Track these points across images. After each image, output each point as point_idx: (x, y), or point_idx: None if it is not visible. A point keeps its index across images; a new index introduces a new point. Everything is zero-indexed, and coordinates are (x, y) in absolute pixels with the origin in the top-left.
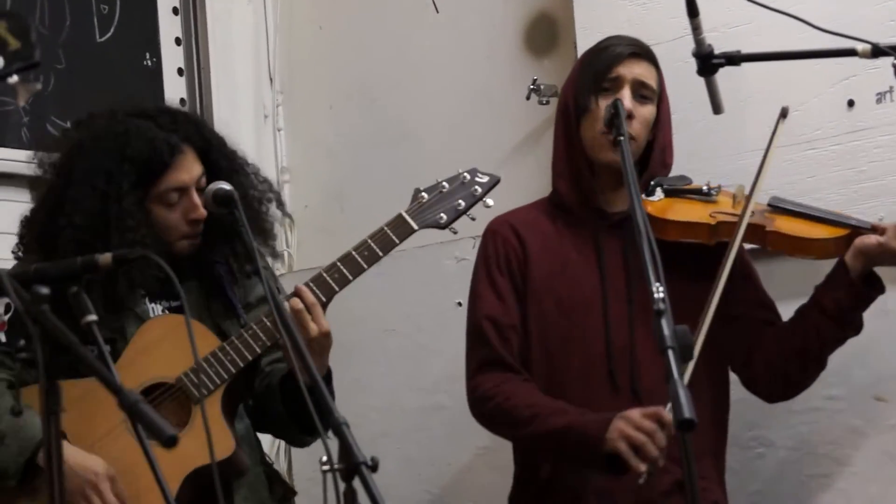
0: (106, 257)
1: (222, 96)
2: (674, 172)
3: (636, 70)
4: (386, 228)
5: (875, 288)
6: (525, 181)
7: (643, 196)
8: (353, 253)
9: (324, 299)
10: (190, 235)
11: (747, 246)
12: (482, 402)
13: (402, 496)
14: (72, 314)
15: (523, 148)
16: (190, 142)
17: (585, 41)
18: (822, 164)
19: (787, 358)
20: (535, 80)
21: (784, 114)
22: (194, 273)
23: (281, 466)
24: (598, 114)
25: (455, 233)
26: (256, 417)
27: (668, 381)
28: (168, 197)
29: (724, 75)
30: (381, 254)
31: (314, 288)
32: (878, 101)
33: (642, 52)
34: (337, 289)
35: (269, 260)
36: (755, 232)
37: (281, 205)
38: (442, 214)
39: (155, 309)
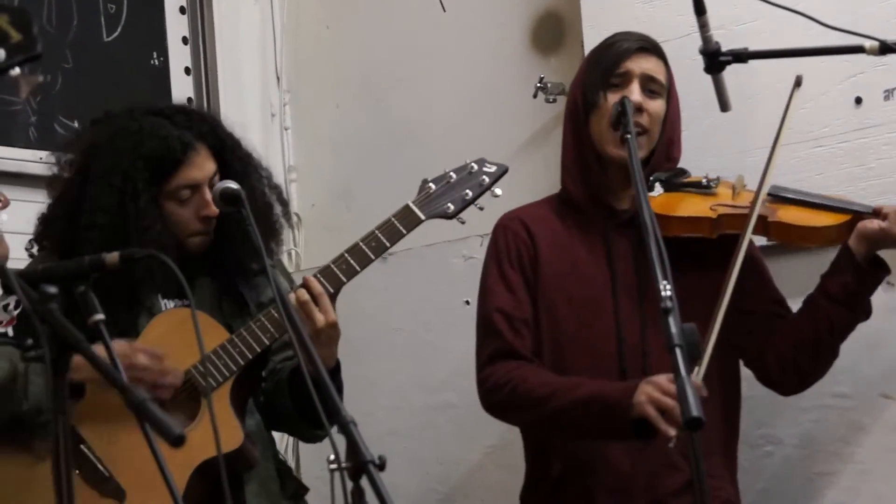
0: (113, 256)
1: (229, 95)
2: None
3: (645, 65)
4: (393, 219)
5: (881, 269)
6: (532, 179)
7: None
8: (361, 244)
9: (331, 290)
10: (202, 232)
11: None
12: (495, 392)
13: (409, 495)
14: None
15: (530, 146)
16: (204, 140)
17: (592, 39)
18: (830, 161)
19: (799, 349)
20: (541, 79)
21: (798, 82)
22: (207, 271)
23: (289, 464)
24: (607, 109)
25: (463, 223)
26: (268, 414)
27: (675, 379)
28: (180, 194)
29: (731, 73)
30: (388, 244)
31: (322, 279)
32: (886, 98)
33: (651, 47)
34: (345, 280)
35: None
36: (758, 222)
37: (286, 212)
38: (449, 204)
39: (167, 305)
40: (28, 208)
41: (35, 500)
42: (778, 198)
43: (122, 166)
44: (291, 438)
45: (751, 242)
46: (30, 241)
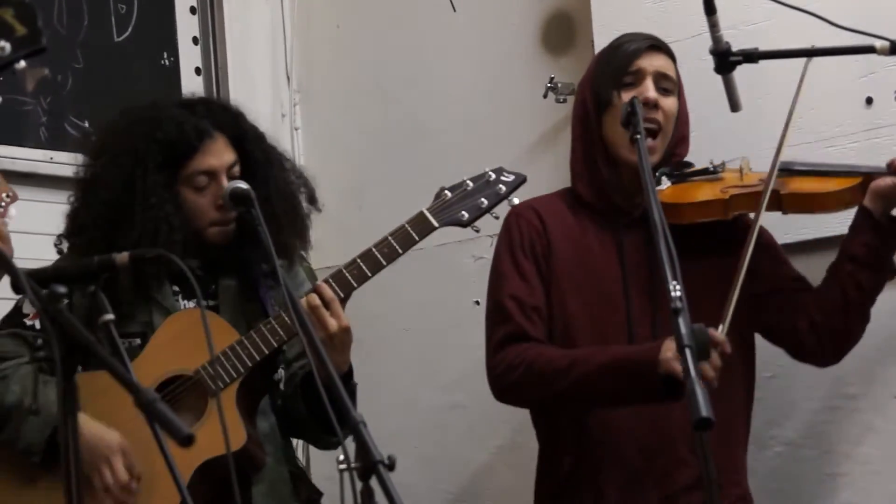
0: (123, 256)
1: (240, 95)
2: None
3: (656, 62)
4: (407, 226)
5: None
6: (542, 179)
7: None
8: (374, 250)
9: (342, 295)
10: (220, 222)
11: (767, 215)
12: (508, 373)
13: (419, 495)
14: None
15: (540, 146)
16: (222, 129)
17: (603, 39)
18: (841, 161)
19: (829, 315)
20: (552, 79)
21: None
22: (233, 273)
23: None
24: (620, 108)
25: (477, 231)
26: (285, 420)
27: (685, 379)
28: (196, 180)
29: (741, 73)
30: (400, 251)
31: (333, 284)
32: None
33: (660, 46)
34: (356, 285)
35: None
36: (770, 198)
37: (313, 201)
38: (464, 212)
39: (186, 306)
40: (39, 208)
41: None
42: (787, 171)
43: (135, 149)
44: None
45: (763, 229)
46: (58, 236)
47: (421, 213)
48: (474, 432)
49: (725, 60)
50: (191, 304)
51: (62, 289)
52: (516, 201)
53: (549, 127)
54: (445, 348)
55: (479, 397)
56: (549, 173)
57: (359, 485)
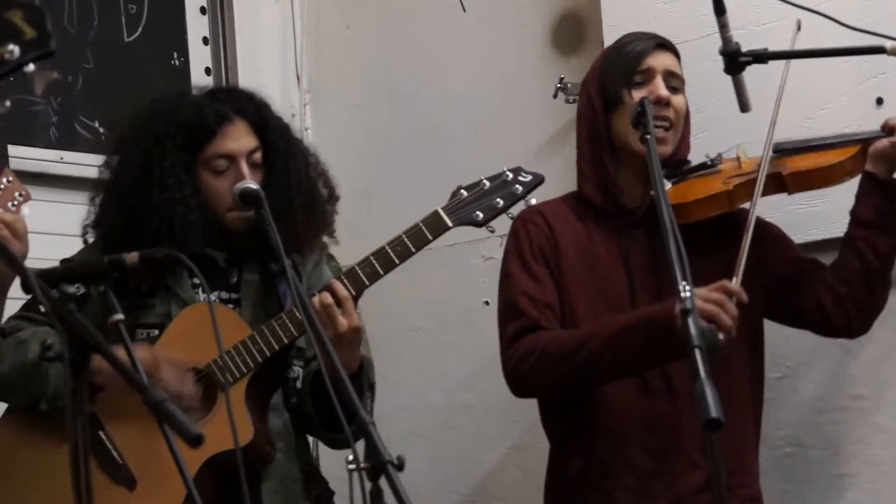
0: (132, 256)
1: None
2: None
3: (665, 61)
4: (421, 224)
5: None
6: (552, 179)
7: (652, 193)
8: (387, 248)
9: (353, 293)
10: (238, 208)
11: (772, 198)
12: (522, 363)
13: (428, 495)
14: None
15: (550, 146)
16: (243, 115)
17: (612, 39)
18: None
19: (851, 284)
20: (562, 79)
21: (799, 27)
22: (258, 268)
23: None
24: (631, 106)
25: (492, 231)
26: (298, 418)
27: (694, 379)
28: (215, 164)
29: (751, 73)
30: (413, 250)
31: (346, 282)
32: None
33: (667, 44)
34: (368, 283)
35: (332, 249)
36: (774, 181)
37: (333, 198)
38: (479, 212)
39: (206, 299)
40: (49, 208)
41: (52, 485)
42: (784, 151)
43: (155, 131)
44: (312, 437)
45: (770, 223)
46: (84, 226)
47: (435, 212)
48: (483, 432)
49: (735, 61)
50: (212, 298)
51: (72, 289)
52: (534, 202)
53: (558, 127)
54: (455, 348)
55: (488, 397)
56: (558, 173)
57: (368, 485)
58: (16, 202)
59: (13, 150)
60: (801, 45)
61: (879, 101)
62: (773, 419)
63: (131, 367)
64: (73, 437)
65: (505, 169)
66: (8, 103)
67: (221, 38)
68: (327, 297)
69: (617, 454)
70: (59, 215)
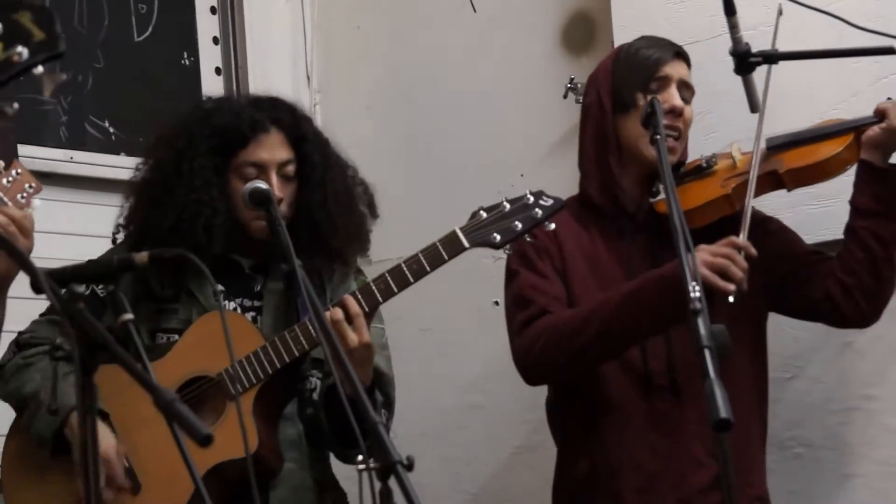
0: (142, 256)
1: None
2: None
3: (681, 70)
4: (438, 244)
5: None
6: (562, 179)
7: (650, 200)
8: (403, 266)
9: (367, 309)
10: (263, 217)
11: (771, 195)
12: (532, 346)
13: (438, 496)
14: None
15: (561, 146)
16: (280, 126)
17: (623, 40)
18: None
19: (858, 273)
20: (572, 79)
21: (780, 11)
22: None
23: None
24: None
25: (509, 253)
26: (313, 430)
27: (704, 380)
28: (245, 171)
29: (761, 74)
30: (429, 269)
31: (360, 297)
32: None
33: (683, 54)
34: (381, 300)
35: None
36: (771, 178)
37: (373, 212)
38: (496, 234)
39: (228, 306)
40: (59, 208)
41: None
42: (777, 147)
43: (190, 132)
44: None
45: (770, 217)
46: (117, 225)
47: (453, 233)
48: (494, 433)
49: (745, 61)
50: (231, 305)
51: (81, 288)
52: (552, 227)
53: (569, 127)
54: (465, 349)
55: (498, 398)
56: (568, 173)
57: (377, 485)
58: (24, 194)
59: (23, 149)
60: (809, 47)
61: None
62: (783, 420)
63: (141, 367)
64: (82, 437)
65: (527, 191)
66: (16, 105)
67: (232, 38)
68: (338, 313)
69: (623, 455)
70: (68, 215)
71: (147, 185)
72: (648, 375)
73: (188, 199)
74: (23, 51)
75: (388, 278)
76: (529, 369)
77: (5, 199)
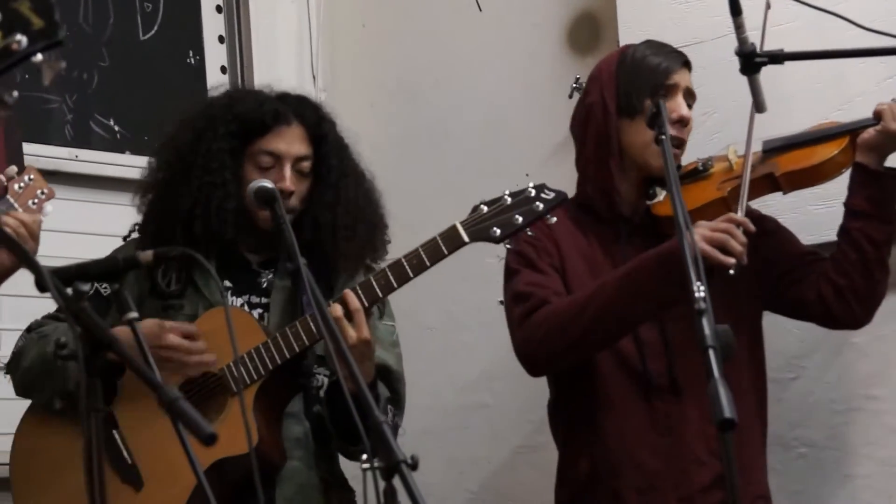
0: (147, 255)
1: None
2: None
3: (687, 79)
4: (438, 238)
5: None
6: (567, 179)
7: (647, 202)
8: (403, 260)
9: (366, 304)
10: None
11: (767, 198)
12: (533, 335)
13: (442, 495)
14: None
15: (566, 146)
16: (302, 121)
17: (628, 40)
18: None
19: (850, 274)
20: (577, 79)
21: (769, 5)
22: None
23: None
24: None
25: (509, 247)
26: (320, 428)
27: (708, 379)
28: (260, 159)
29: (767, 74)
30: (429, 264)
31: (360, 293)
32: None
33: (688, 62)
34: (381, 295)
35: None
36: (767, 181)
37: (380, 225)
38: (496, 228)
39: (235, 303)
40: (64, 206)
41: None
42: (773, 150)
43: (211, 115)
44: None
45: (767, 216)
46: (134, 224)
47: (453, 227)
48: (498, 432)
49: (751, 62)
50: (239, 301)
51: (85, 286)
52: (554, 220)
53: None
54: (469, 348)
55: (502, 397)
56: (573, 172)
57: (382, 484)
58: (36, 200)
59: (28, 147)
60: (815, 47)
61: None
62: (787, 420)
63: (145, 365)
64: (87, 435)
65: (529, 185)
66: (16, 93)
67: (237, 37)
68: (338, 310)
69: (624, 454)
70: (73, 213)
71: (165, 163)
72: (648, 375)
73: (203, 182)
74: (22, 39)
75: (388, 273)
76: (532, 358)
77: (16, 204)
